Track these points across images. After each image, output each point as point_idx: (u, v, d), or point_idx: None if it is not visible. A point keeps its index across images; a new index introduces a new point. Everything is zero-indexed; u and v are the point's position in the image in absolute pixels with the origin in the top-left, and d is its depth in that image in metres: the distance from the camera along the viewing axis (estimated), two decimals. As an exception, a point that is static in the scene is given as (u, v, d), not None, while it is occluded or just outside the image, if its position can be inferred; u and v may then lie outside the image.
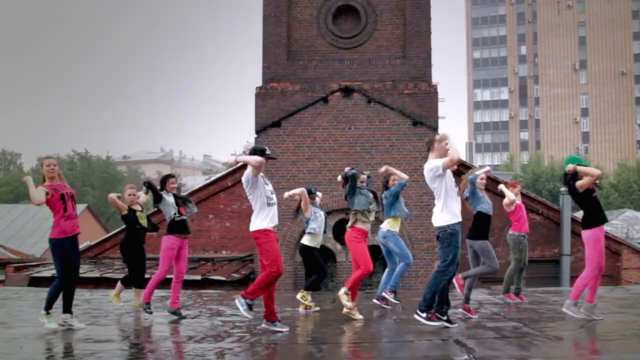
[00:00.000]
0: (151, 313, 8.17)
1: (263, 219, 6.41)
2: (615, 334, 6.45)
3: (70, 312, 7.06)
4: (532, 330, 6.63)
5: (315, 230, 8.65)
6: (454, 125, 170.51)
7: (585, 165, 7.16)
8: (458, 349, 5.62)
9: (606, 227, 24.91)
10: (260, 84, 14.78)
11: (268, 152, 6.56)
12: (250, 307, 6.54)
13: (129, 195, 8.98)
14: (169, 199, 8.05)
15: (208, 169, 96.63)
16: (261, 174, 6.49)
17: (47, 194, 6.69)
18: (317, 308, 8.68)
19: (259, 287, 6.42)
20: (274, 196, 6.60)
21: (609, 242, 17.27)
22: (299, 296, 8.70)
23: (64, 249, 6.83)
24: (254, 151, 6.57)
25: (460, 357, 5.28)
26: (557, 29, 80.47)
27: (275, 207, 6.57)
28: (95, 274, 14.88)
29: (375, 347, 6.20)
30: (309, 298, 8.66)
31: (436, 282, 6.54)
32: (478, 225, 7.89)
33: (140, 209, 9.08)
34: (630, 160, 60.17)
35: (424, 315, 6.56)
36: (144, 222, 9.01)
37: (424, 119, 14.34)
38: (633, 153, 72.18)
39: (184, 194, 10.03)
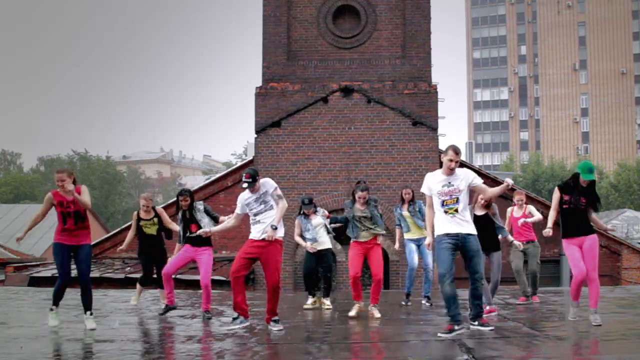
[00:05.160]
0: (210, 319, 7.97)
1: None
2: (615, 334, 6.45)
3: (52, 309, 7.27)
4: (532, 330, 6.64)
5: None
6: (454, 125, 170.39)
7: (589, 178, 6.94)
8: (458, 349, 5.62)
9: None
10: (260, 84, 14.78)
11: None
12: (235, 319, 6.90)
13: (143, 205, 8.96)
14: (179, 226, 8.19)
15: (208, 169, 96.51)
16: (253, 196, 6.88)
17: (52, 204, 6.94)
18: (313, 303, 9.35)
19: (233, 293, 6.86)
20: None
21: (609, 242, 17.26)
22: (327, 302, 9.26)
23: (60, 252, 6.96)
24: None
25: (460, 357, 5.28)
26: (557, 29, 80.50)
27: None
28: (95, 274, 14.88)
29: (376, 347, 6.20)
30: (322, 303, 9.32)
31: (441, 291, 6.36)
32: None
33: (149, 217, 8.94)
34: (630, 160, 60.24)
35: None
36: (149, 230, 8.95)
37: (423, 119, 14.34)
38: (633, 153, 72.22)
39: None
